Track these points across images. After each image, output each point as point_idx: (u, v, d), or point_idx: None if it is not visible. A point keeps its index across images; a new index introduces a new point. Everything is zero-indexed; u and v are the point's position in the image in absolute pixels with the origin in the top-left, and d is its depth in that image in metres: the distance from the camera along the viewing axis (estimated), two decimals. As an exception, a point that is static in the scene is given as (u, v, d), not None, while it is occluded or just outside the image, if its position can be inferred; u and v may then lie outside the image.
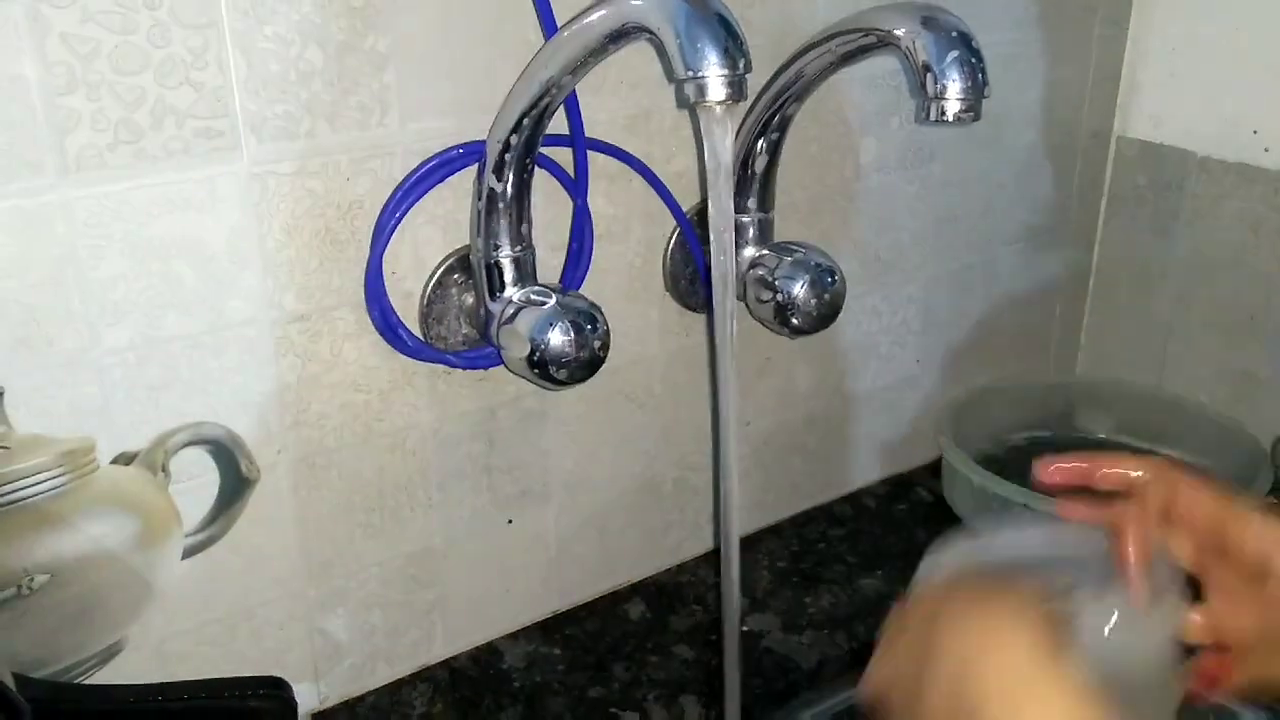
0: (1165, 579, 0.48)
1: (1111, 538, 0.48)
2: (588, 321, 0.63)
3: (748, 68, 0.50)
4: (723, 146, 0.50)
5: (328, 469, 0.66)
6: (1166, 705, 0.48)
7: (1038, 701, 0.39)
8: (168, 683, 0.48)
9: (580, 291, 0.67)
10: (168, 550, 0.53)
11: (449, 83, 0.63)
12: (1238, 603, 0.48)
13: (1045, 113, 0.94)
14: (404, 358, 0.66)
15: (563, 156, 0.67)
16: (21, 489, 0.46)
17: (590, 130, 0.67)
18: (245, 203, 0.58)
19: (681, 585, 0.83)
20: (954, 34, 0.58)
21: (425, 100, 0.62)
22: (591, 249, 0.70)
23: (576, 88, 0.61)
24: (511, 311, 0.63)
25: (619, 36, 0.54)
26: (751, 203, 0.74)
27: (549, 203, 0.68)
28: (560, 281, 0.70)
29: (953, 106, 0.58)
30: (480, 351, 0.67)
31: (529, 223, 0.64)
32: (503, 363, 0.66)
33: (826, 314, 0.75)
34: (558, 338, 0.62)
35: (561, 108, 0.62)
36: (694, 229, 0.75)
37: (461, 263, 0.66)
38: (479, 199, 0.63)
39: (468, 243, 0.66)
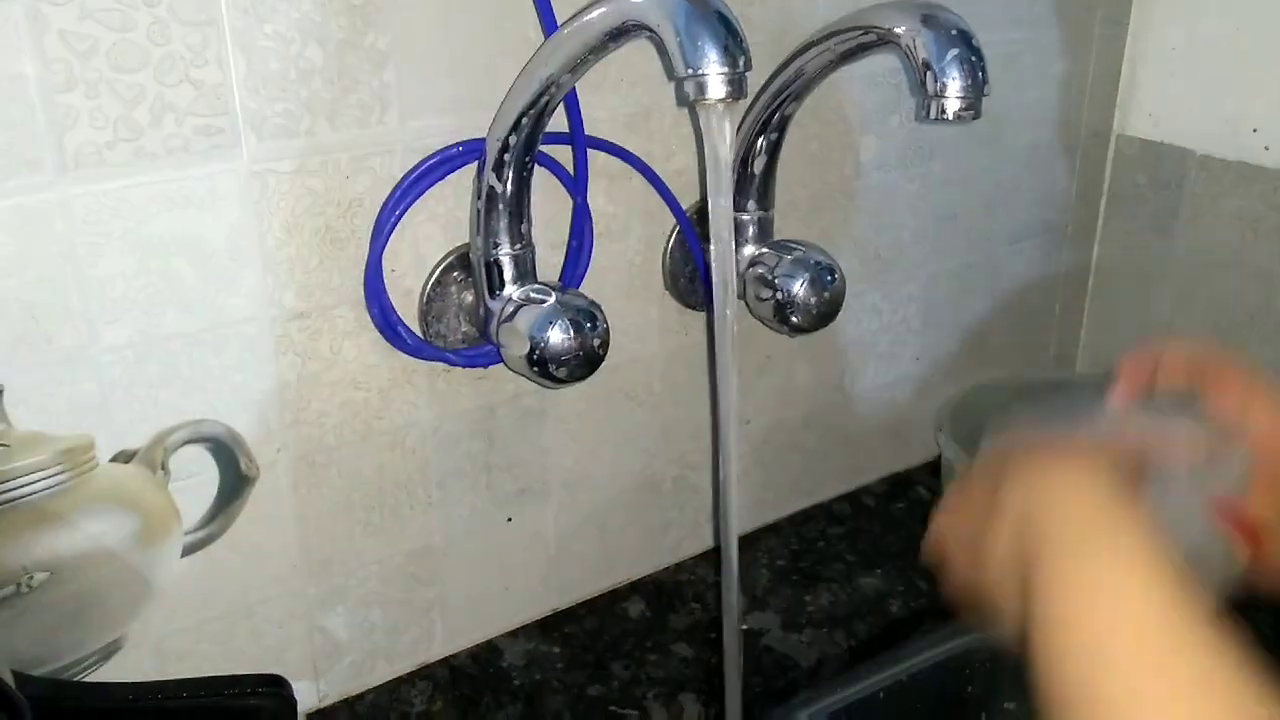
0: (1235, 463, 0.47)
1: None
2: (587, 319, 0.63)
3: (748, 65, 0.50)
4: (723, 144, 0.50)
5: (327, 467, 0.66)
6: (1224, 573, 0.48)
7: (1104, 545, 0.39)
8: (167, 680, 0.48)
9: (580, 290, 0.67)
10: (167, 548, 0.53)
11: (449, 80, 0.63)
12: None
13: (1045, 111, 0.94)
14: (404, 356, 0.66)
15: (562, 154, 0.67)
16: (20, 487, 0.46)
17: (590, 128, 0.67)
18: (245, 200, 0.58)
19: (681, 583, 0.83)
20: (954, 32, 0.58)
21: (425, 98, 0.62)
22: (591, 247, 0.70)
23: (576, 85, 0.61)
24: (511, 309, 0.63)
25: (619, 34, 0.54)
26: (751, 201, 0.74)
27: (549, 201, 0.68)
28: (560, 279, 0.70)
29: (953, 105, 0.58)
30: (480, 349, 0.67)
31: (529, 221, 0.64)
32: (502, 361, 0.66)
33: (826, 312, 0.75)
34: (557, 336, 0.62)
35: (561, 106, 0.62)
36: (694, 227, 0.75)
37: (461, 261, 0.66)
38: (479, 197, 0.63)
39: (467, 241, 0.66)
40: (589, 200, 0.69)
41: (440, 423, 0.69)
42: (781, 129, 0.72)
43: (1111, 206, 1.02)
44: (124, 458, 0.56)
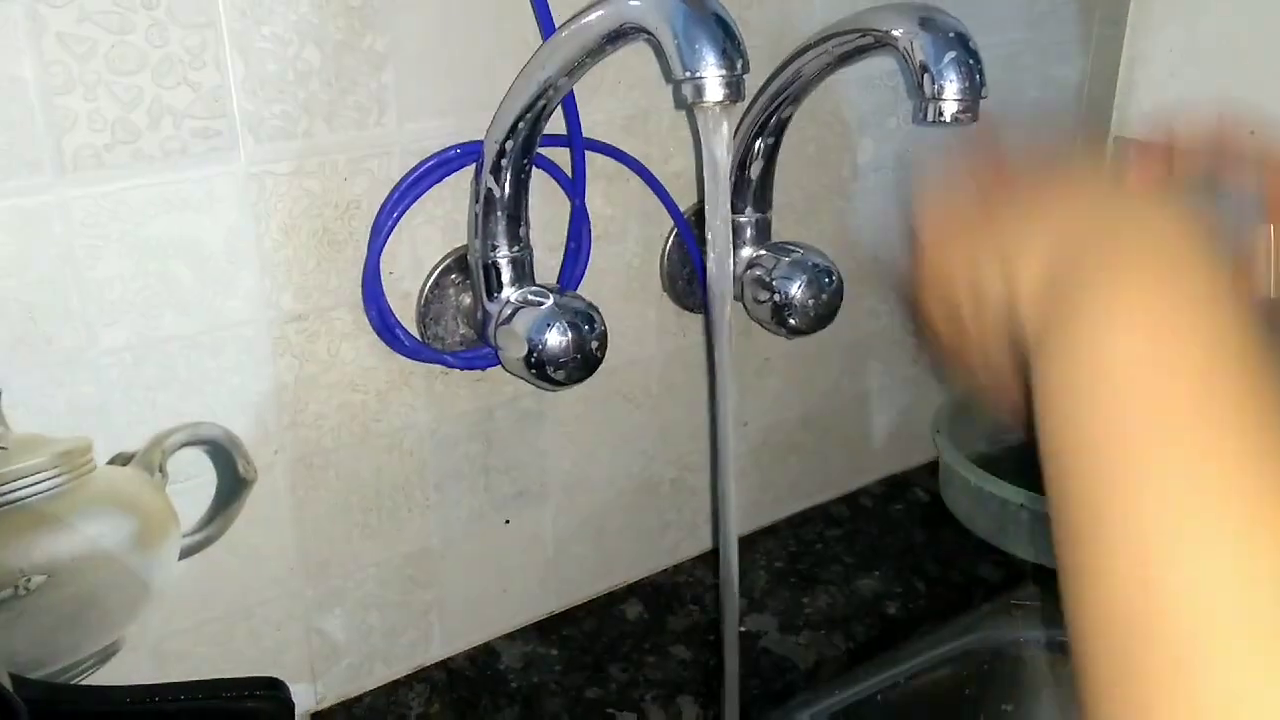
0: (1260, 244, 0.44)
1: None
2: (585, 322, 0.63)
3: (745, 68, 0.50)
4: (720, 147, 0.50)
5: (325, 469, 0.66)
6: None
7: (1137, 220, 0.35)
8: (165, 683, 0.48)
9: (578, 292, 0.67)
10: (165, 550, 0.53)
11: (447, 82, 0.63)
12: None
13: (1043, 113, 0.94)
14: (401, 358, 0.66)
15: (560, 157, 0.67)
16: (18, 489, 0.46)
17: (588, 131, 0.67)
18: (243, 203, 0.58)
19: (679, 586, 0.83)
20: (951, 35, 0.58)
21: (423, 100, 0.62)
22: (589, 249, 0.70)
23: (574, 88, 0.61)
24: (509, 312, 0.63)
25: (617, 37, 0.54)
26: (749, 203, 0.74)
27: (546, 203, 0.68)
28: (558, 282, 0.70)
29: (950, 107, 0.58)
30: (478, 352, 0.67)
31: (526, 223, 0.64)
32: (500, 363, 0.66)
33: (824, 314, 0.75)
34: (555, 338, 0.62)
35: (559, 108, 0.62)
36: (691, 229, 0.75)
37: (459, 263, 0.66)
38: (476, 199, 0.63)
39: (465, 243, 0.66)
40: (587, 202, 0.69)
41: (438, 425, 0.69)
42: (779, 131, 0.72)
43: (1109, 208, 1.02)
44: (122, 460, 0.56)
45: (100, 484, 0.51)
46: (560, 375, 0.62)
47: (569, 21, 0.56)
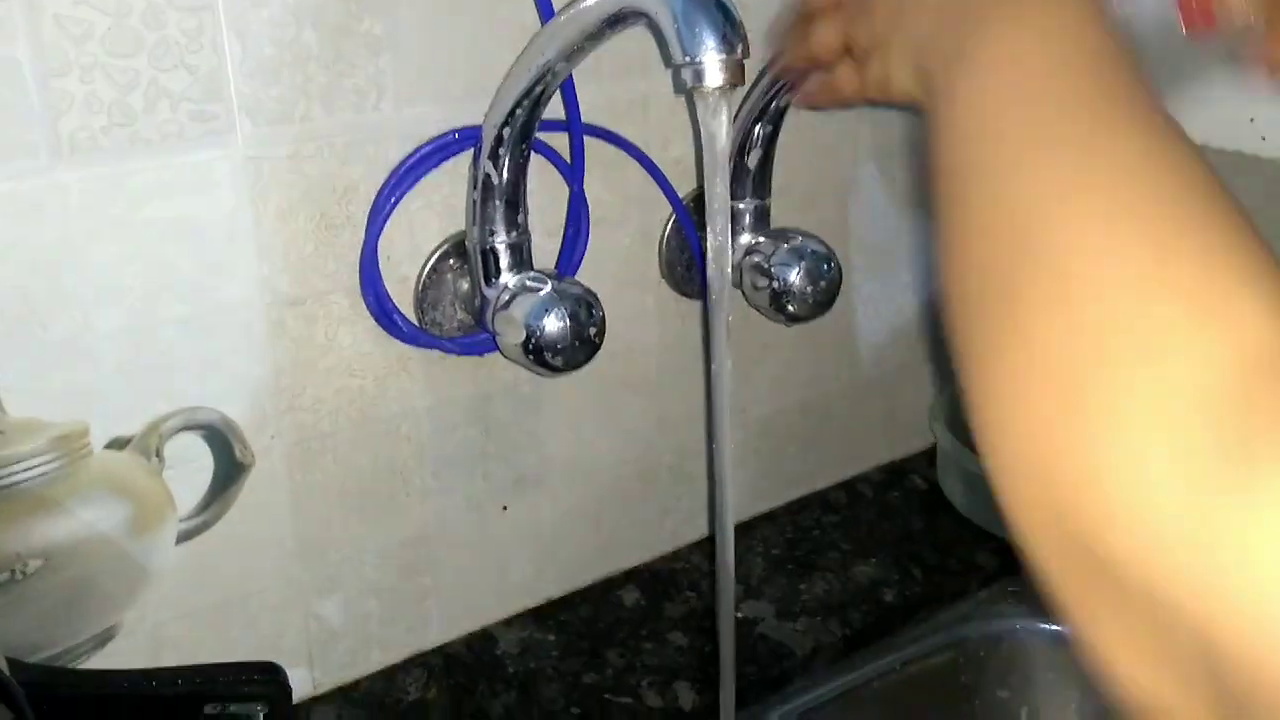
0: None
1: None
2: (583, 308, 0.63)
3: (746, 53, 0.50)
4: (720, 132, 0.50)
5: (322, 454, 0.66)
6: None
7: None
8: (163, 668, 0.48)
9: (576, 278, 0.66)
10: (162, 535, 0.53)
11: (445, 67, 0.62)
12: None
13: None
14: (399, 343, 0.66)
15: (559, 142, 0.67)
16: (15, 474, 0.46)
17: (587, 116, 0.67)
18: (240, 186, 0.58)
19: (676, 572, 0.83)
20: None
21: (421, 84, 0.62)
22: (588, 235, 0.70)
23: (573, 73, 0.61)
24: (507, 298, 0.63)
25: (616, 21, 0.54)
26: (748, 189, 0.74)
27: (545, 188, 0.68)
28: (556, 267, 0.70)
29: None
30: (475, 337, 0.67)
31: (525, 208, 0.64)
32: (498, 349, 0.66)
33: (823, 301, 0.75)
34: (553, 324, 0.62)
35: (558, 93, 0.62)
36: (690, 215, 0.75)
37: (457, 248, 0.66)
38: (475, 184, 0.63)
39: (463, 228, 0.66)
40: (585, 188, 0.69)
41: (436, 410, 0.69)
42: (778, 117, 0.72)
43: (1108, 196, 1.02)
44: (118, 445, 0.56)
45: (97, 468, 0.51)
46: (558, 361, 0.62)
47: (568, 5, 0.55)
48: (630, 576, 0.82)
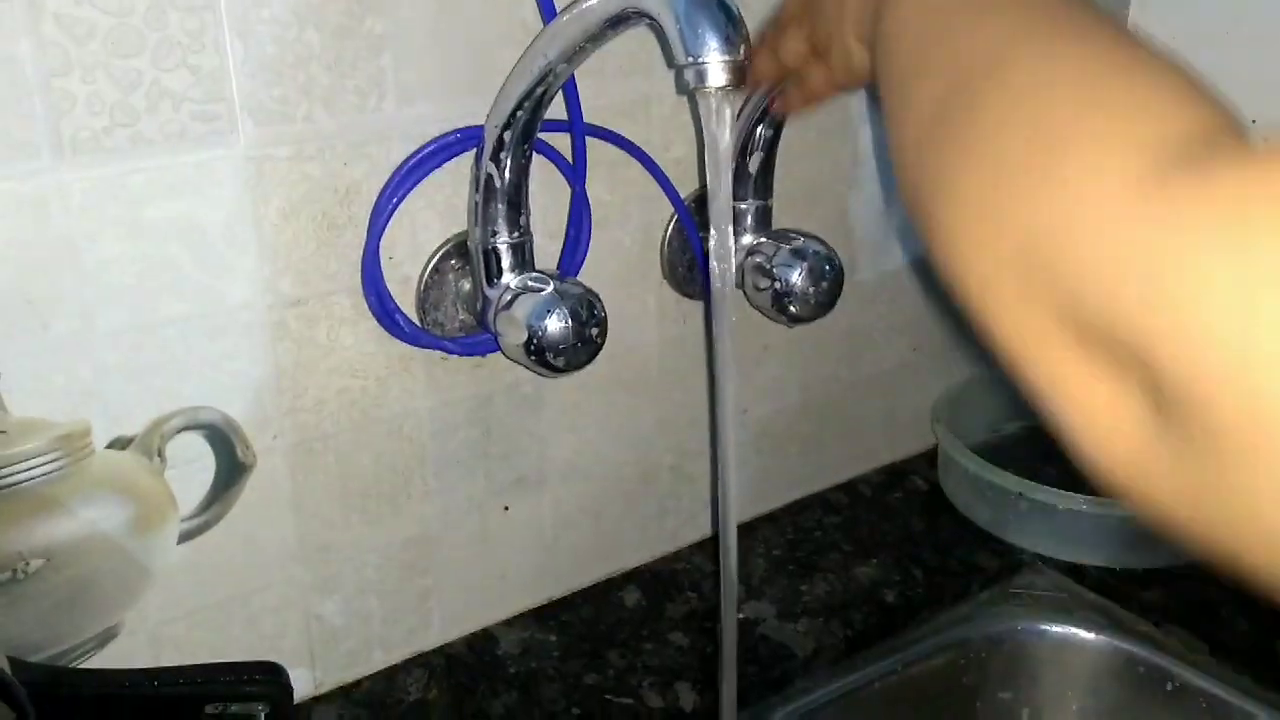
0: None
1: None
2: (585, 308, 0.63)
3: (748, 53, 0.50)
4: (722, 133, 0.50)
5: (324, 454, 0.66)
6: None
7: None
8: (164, 667, 0.48)
9: (578, 278, 0.66)
10: (163, 535, 0.53)
11: (446, 67, 0.62)
12: None
13: None
14: (401, 344, 0.66)
15: (561, 142, 0.67)
16: (17, 473, 0.46)
17: (589, 116, 0.67)
18: (242, 186, 0.58)
19: (677, 572, 0.83)
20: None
21: (423, 84, 0.62)
22: (589, 235, 0.70)
23: (575, 73, 0.61)
24: (509, 298, 0.63)
25: (618, 21, 0.54)
26: (750, 190, 0.74)
27: (547, 189, 0.68)
28: (558, 268, 0.70)
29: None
30: (477, 338, 0.67)
31: (526, 209, 0.64)
32: (500, 349, 0.66)
33: (824, 302, 0.75)
34: (555, 324, 0.62)
35: (560, 93, 0.62)
36: (692, 216, 0.75)
37: (459, 249, 0.66)
38: (476, 185, 0.63)
39: (465, 229, 0.66)
40: (587, 189, 0.69)
41: (437, 411, 0.69)
42: (780, 118, 0.72)
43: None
44: (120, 444, 0.56)
45: (99, 468, 0.51)
46: (560, 361, 0.62)
47: (570, 6, 0.55)
48: (631, 577, 0.82)
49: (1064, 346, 0.31)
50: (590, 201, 0.69)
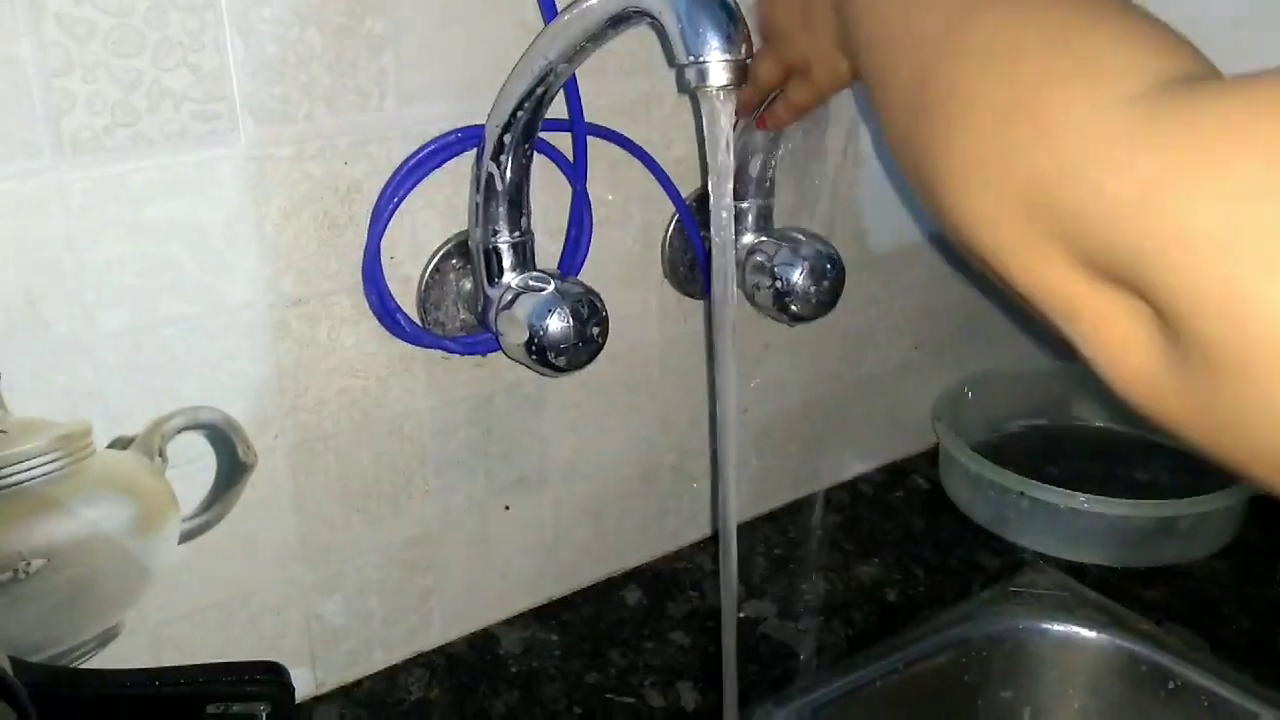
0: None
1: None
2: (586, 308, 0.63)
3: (749, 53, 0.50)
4: (723, 132, 0.50)
5: (325, 454, 0.65)
6: None
7: None
8: (165, 667, 0.48)
9: (579, 278, 0.66)
10: (164, 535, 0.53)
11: (447, 66, 0.62)
12: None
13: None
14: (402, 343, 0.66)
15: (562, 142, 0.67)
16: (18, 473, 0.46)
17: (590, 115, 0.66)
18: (243, 186, 0.58)
19: (678, 572, 0.83)
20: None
21: (423, 84, 0.62)
22: (590, 235, 0.70)
23: (576, 72, 0.61)
24: (510, 297, 0.63)
25: (619, 20, 0.53)
26: (751, 189, 0.74)
27: (548, 188, 0.68)
28: (559, 267, 0.70)
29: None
30: (478, 337, 0.67)
31: (527, 208, 0.64)
32: (501, 349, 0.66)
33: (825, 301, 0.75)
34: (556, 324, 0.61)
35: (561, 93, 0.62)
36: (693, 215, 0.75)
37: (460, 248, 0.66)
38: (477, 184, 0.63)
39: (466, 228, 0.66)
40: (588, 188, 0.68)
41: (438, 411, 0.69)
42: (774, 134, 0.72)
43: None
44: (121, 444, 0.56)
45: (99, 468, 0.51)
46: (561, 361, 0.62)
47: (571, 5, 0.55)
48: (632, 576, 0.82)
49: (1075, 279, 0.33)
50: (591, 201, 0.69)
